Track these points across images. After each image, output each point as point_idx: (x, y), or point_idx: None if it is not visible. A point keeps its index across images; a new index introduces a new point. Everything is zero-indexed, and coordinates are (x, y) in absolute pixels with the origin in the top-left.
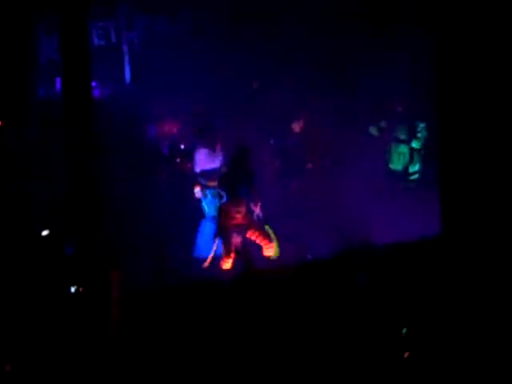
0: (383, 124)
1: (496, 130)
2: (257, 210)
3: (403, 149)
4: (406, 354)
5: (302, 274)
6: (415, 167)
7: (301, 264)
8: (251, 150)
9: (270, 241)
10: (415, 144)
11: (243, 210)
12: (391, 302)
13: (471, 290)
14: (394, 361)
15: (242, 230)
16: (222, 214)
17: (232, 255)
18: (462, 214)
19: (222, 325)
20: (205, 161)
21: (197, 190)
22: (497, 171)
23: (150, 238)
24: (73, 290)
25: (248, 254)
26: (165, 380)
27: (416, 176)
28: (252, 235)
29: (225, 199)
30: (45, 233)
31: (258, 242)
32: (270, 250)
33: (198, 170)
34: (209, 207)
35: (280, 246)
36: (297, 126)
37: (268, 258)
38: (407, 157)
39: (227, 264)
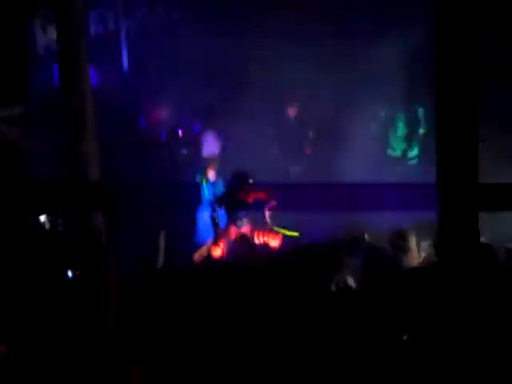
0: (383, 114)
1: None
2: (266, 217)
3: (401, 133)
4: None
5: (297, 257)
6: (414, 151)
7: (296, 247)
8: (248, 177)
9: (276, 233)
10: (415, 129)
11: (247, 229)
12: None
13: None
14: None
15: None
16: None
17: (221, 243)
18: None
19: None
20: (211, 145)
21: (211, 173)
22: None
23: (147, 228)
24: (70, 274)
25: (248, 240)
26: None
27: (415, 161)
28: (258, 238)
29: (217, 213)
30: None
31: (264, 239)
32: (277, 242)
33: (205, 154)
34: (208, 192)
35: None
36: (291, 111)
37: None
38: (405, 142)
39: (217, 251)
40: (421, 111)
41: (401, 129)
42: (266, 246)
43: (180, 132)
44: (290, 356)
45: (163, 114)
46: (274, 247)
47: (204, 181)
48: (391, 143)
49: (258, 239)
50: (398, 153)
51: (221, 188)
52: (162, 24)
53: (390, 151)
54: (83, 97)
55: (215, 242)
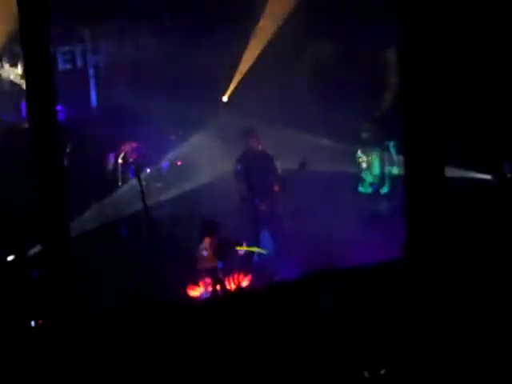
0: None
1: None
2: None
3: (375, 171)
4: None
5: (269, 296)
6: (385, 189)
7: (267, 287)
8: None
9: (246, 274)
10: (388, 166)
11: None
12: (357, 327)
13: (435, 314)
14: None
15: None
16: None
17: (200, 284)
18: (426, 236)
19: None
20: None
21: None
22: (463, 192)
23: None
24: (33, 323)
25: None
26: None
27: (386, 198)
28: (230, 284)
29: None
30: (10, 258)
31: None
32: (246, 282)
33: None
34: None
35: (248, 268)
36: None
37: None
38: (378, 179)
39: (195, 292)
40: (392, 148)
41: (376, 167)
42: (238, 287)
43: (148, 170)
44: None
45: (131, 150)
46: (245, 287)
47: None
48: (366, 180)
49: (230, 285)
50: (369, 190)
51: None
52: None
53: (361, 189)
54: (50, 133)
55: (195, 283)
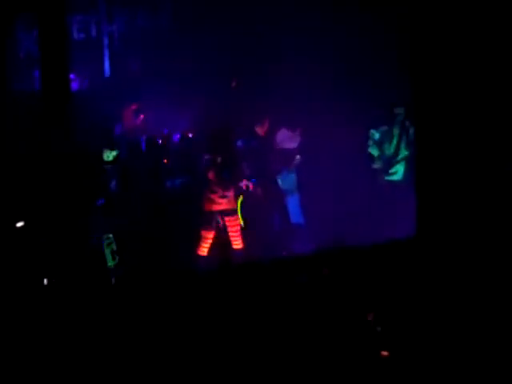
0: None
1: (477, 127)
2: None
3: (391, 147)
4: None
5: (276, 270)
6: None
7: (274, 260)
8: (232, 132)
9: (241, 233)
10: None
11: (230, 194)
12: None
13: (445, 294)
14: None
15: (226, 215)
16: (206, 199)
17: (209, 241)
18: (438, 216)
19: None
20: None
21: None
22: (476, 171)
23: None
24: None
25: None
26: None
27: (397, 175)
28: (230, 221)
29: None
30: (20, 224)
31: (230, 230)
32: (239, 243)
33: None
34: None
35: (255, 241)
36: (261, 129)
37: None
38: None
39: (204, 250)
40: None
41: (393, 143)
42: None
43: (160, 141)
44: None
45: (143, 122)
46: (238, 249)
47: None
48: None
49: (228, 221)
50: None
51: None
52: (144, 30)
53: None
54: (63, 102)
55: (204, 240)
